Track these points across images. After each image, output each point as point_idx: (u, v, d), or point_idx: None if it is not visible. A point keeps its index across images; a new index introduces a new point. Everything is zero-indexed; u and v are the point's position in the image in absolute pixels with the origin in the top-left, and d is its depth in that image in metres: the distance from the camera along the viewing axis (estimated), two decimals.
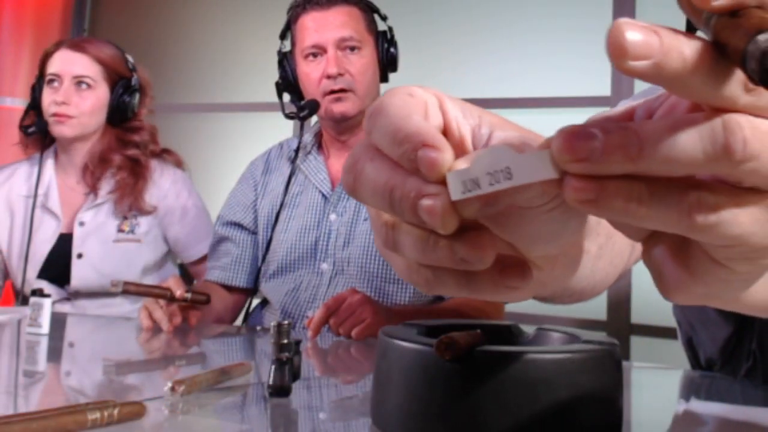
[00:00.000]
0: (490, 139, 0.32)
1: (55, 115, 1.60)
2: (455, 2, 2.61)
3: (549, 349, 0.53)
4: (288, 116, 1.46)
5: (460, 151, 0.31)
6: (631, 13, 2.33)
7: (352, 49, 1.42)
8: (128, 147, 1.68)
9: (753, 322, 0.93)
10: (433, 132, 0.28)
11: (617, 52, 0.23)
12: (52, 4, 2.99)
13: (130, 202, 1.64)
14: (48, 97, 1.61)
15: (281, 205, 1.49)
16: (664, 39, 0.23)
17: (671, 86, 0.24)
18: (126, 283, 1.19)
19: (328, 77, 1.41)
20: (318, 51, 1.42)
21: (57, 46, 1.66)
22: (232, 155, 2.74)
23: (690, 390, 0.91)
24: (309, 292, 1.41)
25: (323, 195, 1.47)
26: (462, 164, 0.28)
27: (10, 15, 2.89)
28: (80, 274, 1.63)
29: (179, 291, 1.21)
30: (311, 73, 1.44)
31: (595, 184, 0.24)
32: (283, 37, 1.51)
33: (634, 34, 0.23)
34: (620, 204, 0.24)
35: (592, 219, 0.40)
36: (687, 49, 0.23)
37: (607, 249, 0.47)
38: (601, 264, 0.48)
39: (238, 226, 1.55)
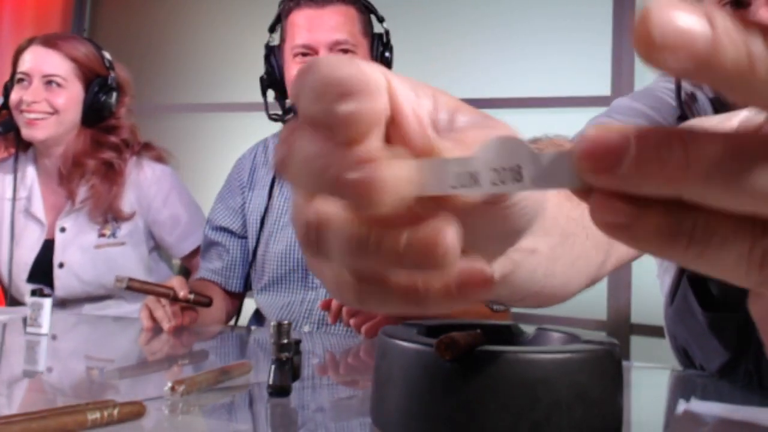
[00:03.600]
0: (453, 126, 0.26)
1: (23, 112, 1.53)
2: (455, 2, 2.61)
3: (549, 349, 0.53)
4: (271, 118, 1.40)
5: (422, 141, 0.24)
6: (631, 14, 2.33)
7: (345, 52, 1.34)
8: (103, 149, 1.58)
9: (749, 346, 0.91)
10: (363, 79, 0.21)
11: (642, 39, 0.17)
12: (52, 4, 2.99)
13: (105, 208, 1.56)
14: (16, 96, 1.54)
15: (265, 211, 1.44)
16: (718, 27, 0.17)
17: (728, 90, 0.18)
18: (131, 280, 1.17)
19: None
20: (309, 52, 1.34)
21: (30, 41, 1.57)
22: (229, 155, 2.73)
23: (690, 390, 0.91)
24: (304, 306, 1.37)
25: None
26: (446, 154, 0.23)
27: (10, 15, 2.89)
28: (63, 284, 1.56)
29: (182, 292, 1.20)
30: None
31: (629, 206, 0.18)
32: (272, 30, 1.43)
33: (671, 18, 0.17)
34: (662, 239, 0.18)
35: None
36: (756, 46, 0.17)
37: (563, 251, 0.42)
38: (558, 267, 0.42)
39: (228, 231, 1.50)
